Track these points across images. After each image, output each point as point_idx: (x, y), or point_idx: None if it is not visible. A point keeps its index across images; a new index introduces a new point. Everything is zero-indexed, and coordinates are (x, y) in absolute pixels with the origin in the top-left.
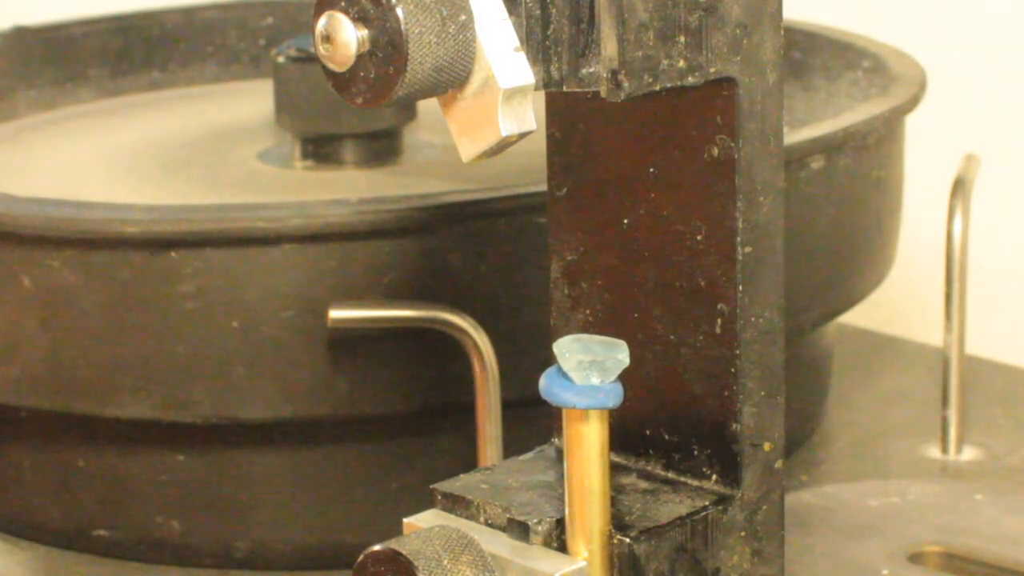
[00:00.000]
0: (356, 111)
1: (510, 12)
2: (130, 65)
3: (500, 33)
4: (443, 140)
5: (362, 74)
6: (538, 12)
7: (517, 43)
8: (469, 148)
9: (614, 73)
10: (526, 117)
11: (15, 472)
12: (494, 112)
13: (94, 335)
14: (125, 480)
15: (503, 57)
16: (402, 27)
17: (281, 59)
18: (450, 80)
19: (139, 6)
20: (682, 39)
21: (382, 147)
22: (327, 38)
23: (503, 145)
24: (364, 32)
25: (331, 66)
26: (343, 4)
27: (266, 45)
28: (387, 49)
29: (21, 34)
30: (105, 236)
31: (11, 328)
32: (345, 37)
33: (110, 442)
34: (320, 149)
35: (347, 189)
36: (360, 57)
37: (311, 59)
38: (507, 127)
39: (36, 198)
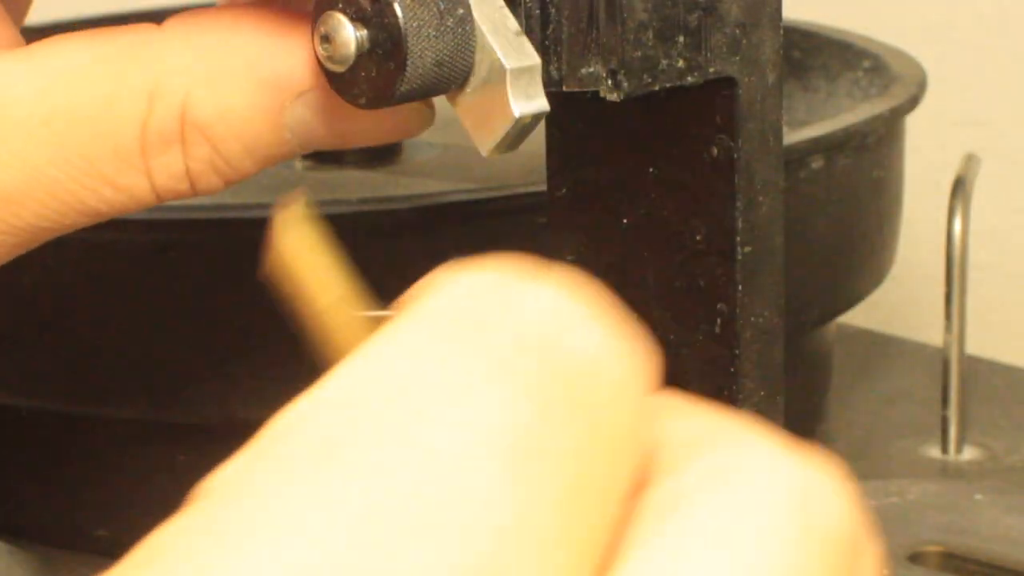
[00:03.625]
0: None
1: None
2: None
3: (500, 19)
4: (443, 140)
5: (363, 74)
6: (537, 11)
7: (518, 28)
8: (486, 140)
9: (613, 73)
10: (538, 96)
11: (15, 472)
12: (503, 94)
13: (94, 335)
14: (125, 480)
15: (506, 40)
16: (400, 21)
17: None
18: (452, 74)
19: (139, 6)
20: (681, 39)
21: (382, 147)
22: (326, 38)
23: (519, 129)
24: (363, 32)
25: (331, 67)
26: (340, 5)
27: None
28: (386, 45)
29: (21, 34)
30: (105, 236)
31: (11, 328)
32: (344, 37)
33: (110, 442)
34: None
35: (347, 189)
36: (360, 56)
37: None
38: (519, 107)
39: None
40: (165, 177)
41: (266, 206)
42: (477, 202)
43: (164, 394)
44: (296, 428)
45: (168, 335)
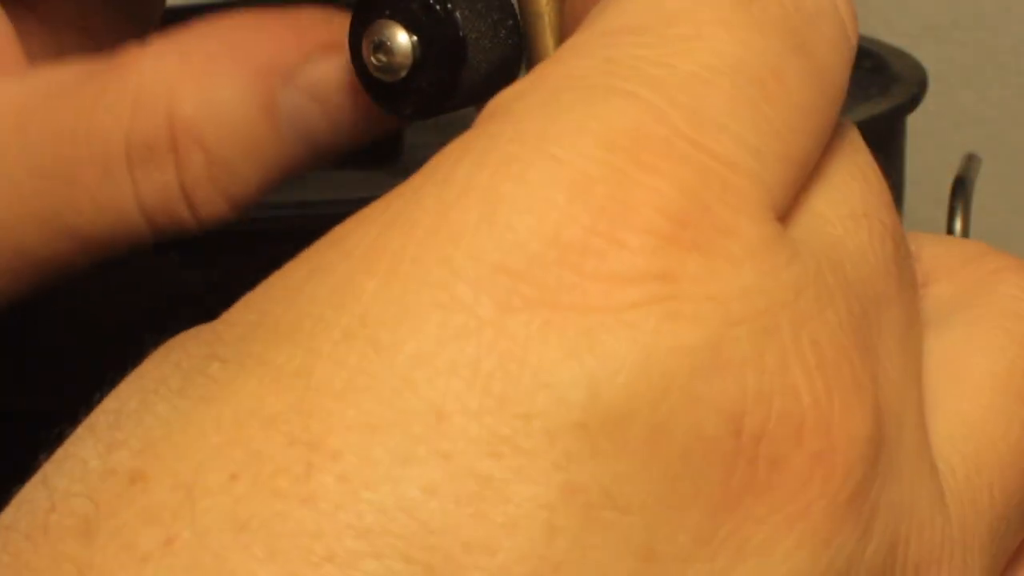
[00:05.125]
0: None
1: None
2: None
3: (539, 29)
4: (443, 140)
5: (414, 85)
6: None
7: (556, 40)
8: None
9: None
10: None
11: (15, 472)
12: None
13: (94, 335)
14: None
15: (547, 52)
16: (460, 33)
17: None
18: (500, 86)
19: None
20: None
21: (382, 147)
22: (380, 47)
23: None
24: (416, 38)
25: (382, 76)
26: (389, 12)
27: None
28: (443, 56)
29: None
30: None
31: (10, 328)
32: (400, 45)
33: None
34: None
35: (347, 189)
36: (414, 66)
37: None
38: None
39: None
40: (155, 192)
41: (266, 206)
42: None
43: None
44: (575, 54)
45: (168, 335)
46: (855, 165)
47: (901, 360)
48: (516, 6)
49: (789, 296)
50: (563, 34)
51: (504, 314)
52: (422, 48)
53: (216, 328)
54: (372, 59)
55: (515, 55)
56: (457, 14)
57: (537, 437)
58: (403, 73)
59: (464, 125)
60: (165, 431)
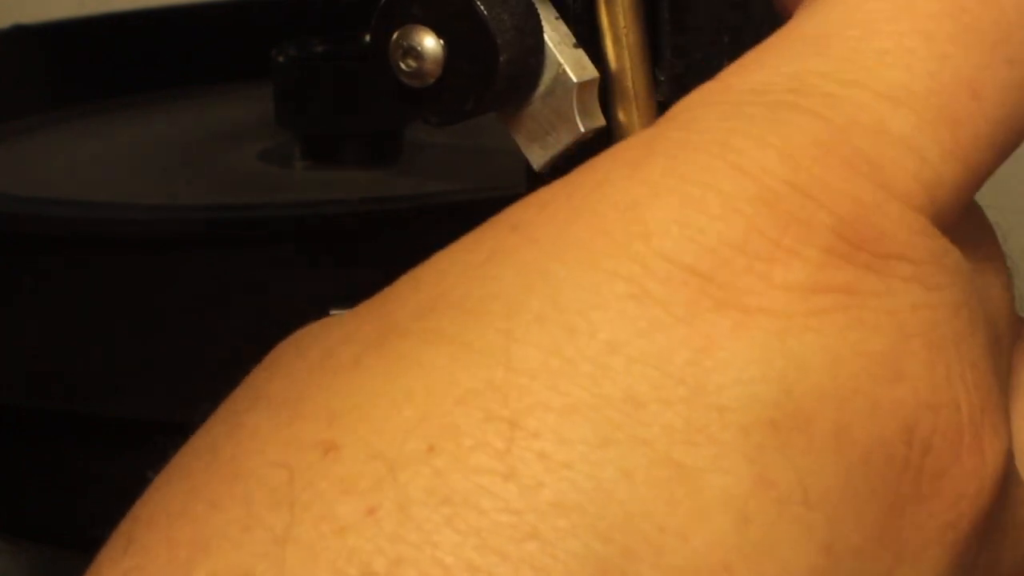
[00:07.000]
0: (357, 110)
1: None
2: (130, 65)
3: (561, 31)
4: (443, 140)
5: (445, 90)
6: (587, 18)
7: (575, 40)
8: (540, 155)
9: (679, 77)
10: (596, 112)
11: (15, 472)
12: (569, 109)
13: (94, 335)
14: (125, 480)
15: (568, 52)
16: (493, 37)
17: (281, 59)
18: (524, 90)
19: (139, 6)
20: (726, 39)
21: (382, 147)
22: (409, 52)
23: (575, 145)
24: (445, 43)
25: (411, 82)
26: (417, 14)
27: (266, 45)
28: (476, 61)
29: (21, 34)
30: (105, 236)
31: (11, 328)
32: (430, 50)
33: (110, 442)
34: (320, 149)
35: (347, 189)
36: (445, 71)
37: (311, 59)
38: (584, 123)
39: (36, 198)
40: None
41: (266, 206)
42: (477, 202)
43: (165, 394)
44: (761, 65)
45: (168, 335)
46: (983, 216)
47: (1005, 396)
48: (603, 29)
49: (951, 314)
50: (642, 54)
51: (695, 312)
52: (452, 53)
53: (380, 306)
54: (401, 64)
55: (540, 59)
56: (488, 16)
57: (732, 429)
58: (433, 79)
59: (471, 127)
60: (352, 403)
